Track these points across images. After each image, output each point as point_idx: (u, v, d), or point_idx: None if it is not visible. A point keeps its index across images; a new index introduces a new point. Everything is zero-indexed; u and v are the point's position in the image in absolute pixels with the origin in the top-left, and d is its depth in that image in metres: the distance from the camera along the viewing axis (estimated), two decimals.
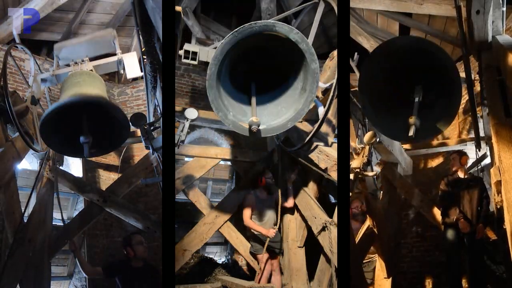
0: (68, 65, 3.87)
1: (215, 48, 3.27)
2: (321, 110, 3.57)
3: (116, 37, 3.88)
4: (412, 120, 2.80)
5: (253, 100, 2.99)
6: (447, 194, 4.19)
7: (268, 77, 3.09)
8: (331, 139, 4.11)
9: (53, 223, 4.74)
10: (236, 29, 2.62)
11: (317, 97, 3.64)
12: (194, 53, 3.22)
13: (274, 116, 3.10)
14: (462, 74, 3.23)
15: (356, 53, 4.25)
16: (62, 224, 4.57)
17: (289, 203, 4.54)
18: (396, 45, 3.08)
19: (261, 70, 3.07)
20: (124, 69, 3.75)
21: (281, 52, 2.93)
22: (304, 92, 2.99)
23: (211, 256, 6.48)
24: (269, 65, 3.06)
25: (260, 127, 2.95)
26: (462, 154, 4.29)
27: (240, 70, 3.06)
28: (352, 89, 3.83)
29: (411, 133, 2.79)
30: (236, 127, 2.98)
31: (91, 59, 3.84)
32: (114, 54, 3.86)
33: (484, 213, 4.03)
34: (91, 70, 3.73)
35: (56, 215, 4.69)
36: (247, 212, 4.45)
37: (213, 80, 2.75)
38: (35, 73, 3.97)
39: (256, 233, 4.48)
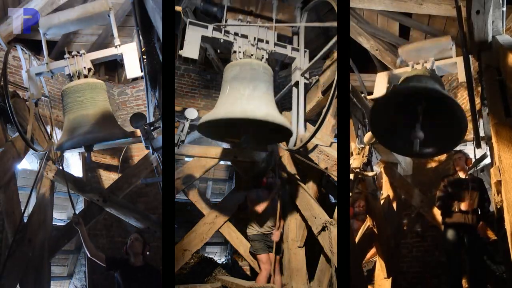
0: (62, 57, 3.73)
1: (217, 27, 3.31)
2: None
3: (111, 10, 3.58)
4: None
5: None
6: (448, 195, 4.19)
7: None
8: (331, 139, 4.11)
9: (53, 223, 4.75)
10: None
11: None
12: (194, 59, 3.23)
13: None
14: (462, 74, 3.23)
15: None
16: (62, 224, 4.57)
17: None
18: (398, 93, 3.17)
19: None
20: (122, 59, 3.61)
21: None
22: None
23: (211, 256, 6.48)
24: None
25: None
26: (467, 157, 4.29)
27: None
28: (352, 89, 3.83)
29: (415, 147, 2.83)
30: None
31: (87, 50, 3.72)
32: (112, 48, 3.70)
33: (485, 213, 4.04)
34: (90, 68, 3.67)
35: (56, 215, 4.69)
36: (260, 207, 4.45)
37: None
38: (27, 69, 3.87)
39: (256, 232, 4.48)
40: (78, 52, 3.67)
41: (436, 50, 3.69)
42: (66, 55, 3.69)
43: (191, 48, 3.36)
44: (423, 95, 2.97)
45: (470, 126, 3.14)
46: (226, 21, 3.61)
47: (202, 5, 3.80)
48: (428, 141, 2.99)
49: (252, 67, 3.39)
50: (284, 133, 3.50)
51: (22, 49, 4.06)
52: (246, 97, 3.17)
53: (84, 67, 3.68)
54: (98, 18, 3.60)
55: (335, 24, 3.17)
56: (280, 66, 7.12)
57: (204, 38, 3.48)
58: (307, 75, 3.90)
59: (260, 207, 4.43)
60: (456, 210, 4.02)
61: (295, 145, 3.76)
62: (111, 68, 7.61)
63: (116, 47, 3.66)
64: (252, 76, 3.28)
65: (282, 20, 3.90)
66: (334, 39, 3.26)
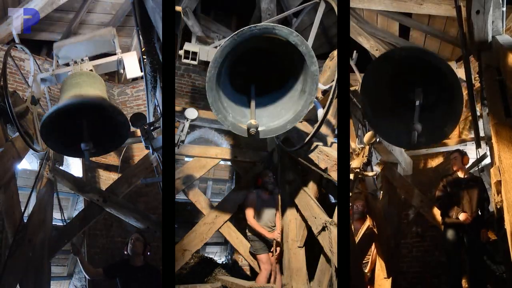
0: (67, 65, 3.89)
1: (215, 47, 3.28)
2: (320, 112, 3.57)
3: (116, 36, 3.87)
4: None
5: (252, 102, 2.99)
6: (447, 194, 4.19)
7: (268, 79, 3.09)
8: (331, 139, 4.11)
9: (53, 223, 4.75)
10: (235, 32, 2.62)
11: (316, 98, 3.64)
12: (194, 53, 3.22)
13: (273, 118, 3.10)
14: (462, 74, 3.23)
15: (355, 52, 4.25)
16: (62, 224, 4.57)
17: None
18: (396, 54, 3.13)
19: (261, 72, 3.06)
20: (124, 68, 3.76)
21: (281, 55, 2.93)
22: (304, 94, 2.99)
23: (211, 256, 6.47)
24: (269, 67, 3.05)
25: (260, 129, 2.95)
26: (463, 154, 4.29)
27: (239, 72, 3.06)
28: (352, 89, 3.83)
29: (413, 138, 2.82)
30: (236, 129, 2.98)
31: (91, 58, 3.85)
32: (114, 54, 3.87)
33: (486, 216, 4.04)
34: (91, 70, 3.74)
35: (56, 215, 4.69)
36: (249, 212, 4.45)
37: (212, 82, 2.75)
38: (34, 73, 3.97)
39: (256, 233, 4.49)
40: (82, 59, 3.82)
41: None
42: (71, 62, 3.85)
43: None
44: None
45: (467, 126, 3.14)
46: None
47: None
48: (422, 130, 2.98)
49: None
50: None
51: (22, 48, 4.08)
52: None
53: (87, 69, 3.80)
54: (104, 43, 3.89)
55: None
56: None
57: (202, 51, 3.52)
58: None
59: (249, 217, 4.44)
60: (454, 217, 4.03)
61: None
62: None
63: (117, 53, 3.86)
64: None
65: None
66: (317, 16, 3.24)
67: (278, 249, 4.49)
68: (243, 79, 3.09)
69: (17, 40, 4.28)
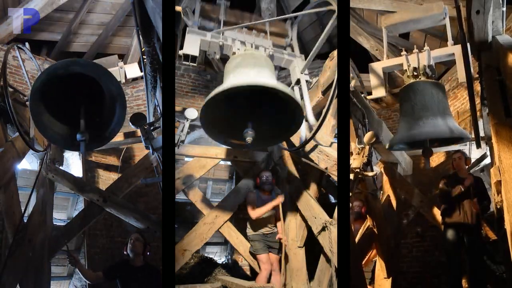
0: (63, 58, 3.87)
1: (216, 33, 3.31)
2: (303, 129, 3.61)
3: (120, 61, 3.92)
4: None
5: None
6: (447, 194, 4.19)
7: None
8: (331, 139, 4.11)
9: (53, 223, 4.75)
10: None
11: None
12: (194, 57, 3.24)
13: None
14: (462, 74, 3.23)
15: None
16: (62, 224, 4.58)
17: None
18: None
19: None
20: (125, 77, 3.76)
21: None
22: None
23: (211, 256, 6.47)
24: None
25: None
26: (466, 157, 4.29)
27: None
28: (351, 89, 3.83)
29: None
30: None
31: None
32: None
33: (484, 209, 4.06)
34: None
35: (56, 215, 4.69)
36: (252, 210, 4.44)
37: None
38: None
39: (256, 232, 4.49)
40: None
41: (428, 22, 3.66)
42: None
43: (191, 46, 3.40)
44: None
45: (467, 126, 3.14)
46: (223, 33, 3.67)
47: (199, 21, 3.88)
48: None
49: (254, 56, 3.36)
50: (293, 116, 3.12)
51: (21, 48, 4.08)
52: (252, 75, 3.04)
53: None
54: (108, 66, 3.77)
55: (331, 7, 3.16)
56: (279, 68, 7.14)
57: (203, 42, 3.51)
58: (306, 72, 3.91)
59: (254, 213, 4.42)
60: (457, 192, 4.03)
61: (305, 138, 3.69)
62: None
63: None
64: (255, 63, 3.19)
65: (275, 32, 3.99)
66: (331, 22, 3.18)
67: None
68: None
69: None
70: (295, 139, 4.06)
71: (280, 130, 3.30)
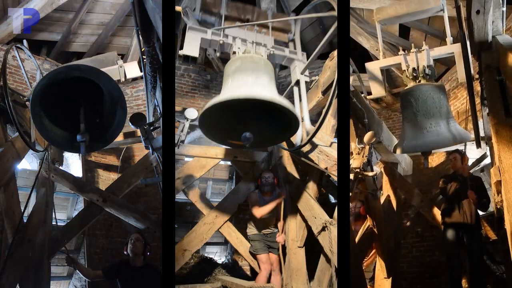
0: (63, 58, 3.87)
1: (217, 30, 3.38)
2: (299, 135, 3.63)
3: (119, 58, 3.87)
4: None
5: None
6: (446, 191, 4.19)
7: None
8: (331, 139, 4.10)
9: (53, 223, 4.74)
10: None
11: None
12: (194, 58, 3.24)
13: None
14: (462, 74, 3.23)
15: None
16: (62, 224, 4.58)
17: None
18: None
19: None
20: (125, 77, 3.75)
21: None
22: None
23: (211, 256, 6.47)
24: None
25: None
26: (462, 154, 4.30)
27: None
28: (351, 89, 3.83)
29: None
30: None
31: None
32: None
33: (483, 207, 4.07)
34: None
35: (56, 215, 4.69)
36: (256, 209, 4.43)
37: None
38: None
39: (256, 232, 4.49)
40: None
41: (423, 15, 3.67)
42: None
43: (191, 46, 3.40)
44: None
45: (467, 126, 3.14)
46: (223, 31, 3.66)
47: (200, 15, 3.86)
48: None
49: (253, 60, 3.39)
50: (289, 124, 3.22)
51: (20, 47, 4.07)
52: (250, 83, 3.11)
53: None
54: (107, 62, 3.89)
55: (334, 13, 3.15)
56: (279, 67, 7.14)
57: (203, 41, 3.50)
58: (307, 73, 3.91)
59: (259, 212, 4.41)
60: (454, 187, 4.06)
61: (301, 141, 3.71)
62: None
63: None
64: (254, 68, 3.25)
65: (278, 27, 3.97)
66: (332, 28, 3.19)
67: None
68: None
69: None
70: (295, 139, 4.06)
71: (277, 133, 3.38)
